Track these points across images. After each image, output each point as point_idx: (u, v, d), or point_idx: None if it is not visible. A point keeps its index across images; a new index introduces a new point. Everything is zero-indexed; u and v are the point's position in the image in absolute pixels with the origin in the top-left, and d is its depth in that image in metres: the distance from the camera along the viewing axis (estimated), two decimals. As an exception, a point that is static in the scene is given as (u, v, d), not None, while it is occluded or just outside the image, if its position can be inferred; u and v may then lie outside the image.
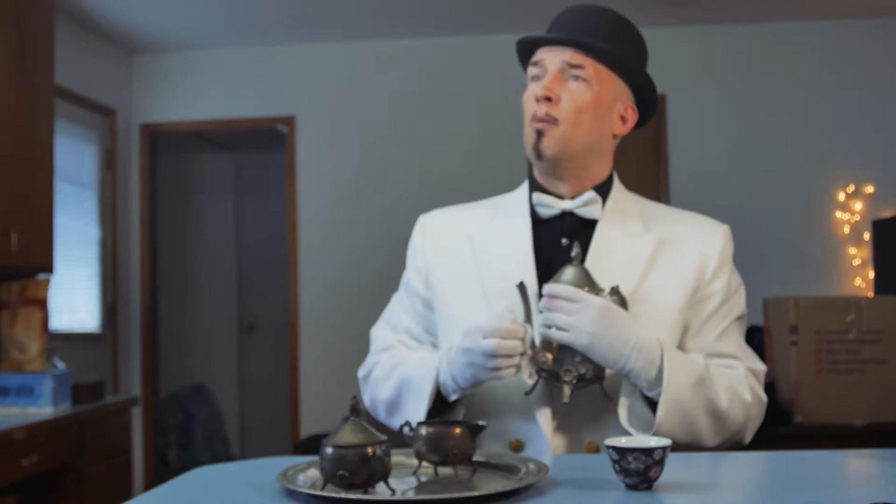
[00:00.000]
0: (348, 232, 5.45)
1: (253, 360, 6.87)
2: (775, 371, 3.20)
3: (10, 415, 3.29)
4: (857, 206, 5.18)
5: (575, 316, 1.43)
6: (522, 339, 1.45)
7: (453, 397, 1.54)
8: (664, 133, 5.31)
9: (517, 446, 1.55)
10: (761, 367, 1.62)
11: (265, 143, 6.44)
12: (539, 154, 1.58)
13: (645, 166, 5.35)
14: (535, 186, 1.66)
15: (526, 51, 1.65)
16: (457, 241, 1.69)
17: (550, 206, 1.61)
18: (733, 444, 1.56)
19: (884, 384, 3.05)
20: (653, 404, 1.49)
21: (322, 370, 5.46)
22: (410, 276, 1.73)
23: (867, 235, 5.06)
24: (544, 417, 1.53)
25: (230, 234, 6.93)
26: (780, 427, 3.06)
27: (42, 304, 3.58)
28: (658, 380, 1.46)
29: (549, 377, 1.48)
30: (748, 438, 1.58)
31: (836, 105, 5.25)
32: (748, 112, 5.30)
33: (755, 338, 3.54)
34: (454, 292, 1.64)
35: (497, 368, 1.44)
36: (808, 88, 5.27)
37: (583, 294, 1.44)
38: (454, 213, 1.76)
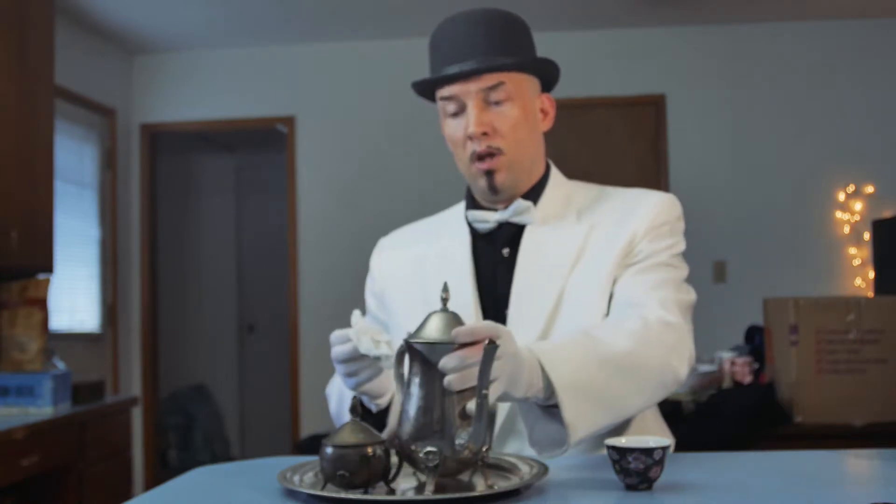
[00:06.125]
0: (348, 231, 5.45)
1: (253, 360, 6.87)
2: (775, 371, 3.20)
3: (10, 415, 3.28)
4: (857, 206, 5.19)
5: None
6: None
7: (372, 408, 1.40)
8: (664, 133, 5.30)
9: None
10: (673, 318, 1.47)
11: (265, 143, 6.44)
12: (495, 191, 1.57)
13: (645, 166, 5.35)
14: (471, 202, 1.65)
15: (427, 85, 1.60)
16: (404, 261, 1.69)
17: (485, 220, 1.61)
18: (674, 381, 1.42)
19: (884, 384, 3.05)
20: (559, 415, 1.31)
21: (322, 370, 5.46)
22: (368, 300, 1.74)
23: (867, 235, 5.06)
24: None
25: (230, 234, 6.93)
26: (780, 427, 3.06)
27: (42, 304, 3.58)
28: (550, 386, 1.28)
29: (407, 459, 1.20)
30: (682, 370, 1.43)
31: (836, 105, 5.25)
32: (748, 112, 5.30)
33: (755, 338, 3.54)
34: (405, 315, 1.60)
35: (349, 375, 1.31)
36: (808, 88, 5.27)
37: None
38: (406, 233, 1.76)
